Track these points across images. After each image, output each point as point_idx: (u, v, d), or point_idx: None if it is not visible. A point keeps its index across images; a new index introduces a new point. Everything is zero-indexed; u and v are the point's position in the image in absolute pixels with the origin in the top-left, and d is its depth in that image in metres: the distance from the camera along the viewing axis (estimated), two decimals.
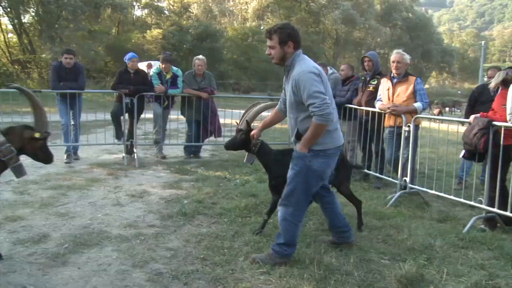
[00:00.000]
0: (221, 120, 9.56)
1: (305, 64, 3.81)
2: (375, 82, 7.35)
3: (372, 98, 7.25)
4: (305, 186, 3.94)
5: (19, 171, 3.90)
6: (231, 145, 4.89)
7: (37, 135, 3.93)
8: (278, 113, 4.51)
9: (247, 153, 4.87)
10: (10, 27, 35.98)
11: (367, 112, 7.26)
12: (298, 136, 3.93)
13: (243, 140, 4.72)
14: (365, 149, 7.57)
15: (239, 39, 45.86)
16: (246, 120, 4.73)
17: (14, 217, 5.07)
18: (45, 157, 4.16)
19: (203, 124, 8.91)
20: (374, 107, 7.09)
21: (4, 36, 35.80)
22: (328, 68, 8.75)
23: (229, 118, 10.82)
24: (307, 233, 4.85)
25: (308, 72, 3.72)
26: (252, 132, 4.57)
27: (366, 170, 7.52)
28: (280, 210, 4.08)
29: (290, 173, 4.00)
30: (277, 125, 11.63)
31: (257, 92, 40.28)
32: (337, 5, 47.42)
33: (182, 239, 4.63)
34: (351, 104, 7.64)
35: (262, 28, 50.63)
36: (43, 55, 31.56)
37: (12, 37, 36.82)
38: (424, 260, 4.22)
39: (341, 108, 7.63)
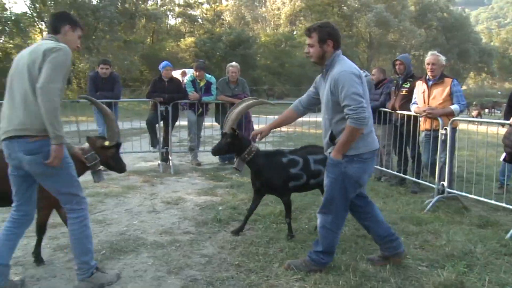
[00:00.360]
0: (255, 126, 9.56)
1: (346, 64, 3.75)
2: (408, 86, 7.23)
3: (405, 101, 7.13)
4: (343, 193, 3.85)
5: (98, 176, 4.28)
6: (217, 150, 5.00)
7: (107, 143, 4.25)
8: (293, 113, 4.41)
9: (238, 159, 4.88)
10: None
11: (402, 115, 7.15)
12: (332, 138, 3.86)
13: (228, 144, 4.78)
14: (400, 153, 7.43)
15: (272, 45, 45.90)
16: (233, 123, 4.80)
17: (55, 224, 5.17)
18: (117, 166, 4.44)
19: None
20: (408, 110, 6.97)
21: None
22: (362, 71, 8.65)
23: (263, 124, 10.85)
24: (343, 239, 4.78)
25: (349, 73, 3.65)
26: (260, 129, 4.52)
27: (402, 175, 7.39)
28: (319, 218, 4.01)
29: (326, 181, 3.94)
30: (312, 130, 11.59)
31: (291, 97, 40.19)
32: (370, 8, 46.96)
33: (217, 246, 4.64)
34: (385, 107, 7.52)
35: (295, 33, 50.66)
36: (81, 65, 32.33)
37: None
38: (464, 267, 4.09)
39: (375, 112, 7.53)
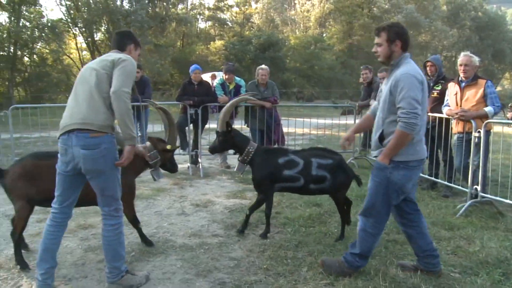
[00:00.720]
0: (285, 129, 9.56)
1: (411, 67, 3.71)
2: (439, 88, 7.10)
3: (437, 103, 7.00)
4: (385, 198, 3.82)
5: (157, 175, 4.75)
6: (213, 148, 5.31)
7: (169, 147, 4.75)
8: (370, 117, 4.31)
9: (239, 163, 5.10)
10: (84, 45, 37.91)
11: (434, 118, 7.02)
12: (381, 138, 3.82)
13: (222, 142, 5.10)
14: (432, 157, 7.29)
15: (302, 47, 45.75)
16: (222, 122, 5.01)
17: (86, 225, 5.28)
18: (172, 167, 5.00)
19: (266, 133, 8.93)
20: (439, 112, 6.85)
21: (79, 54, 37.77)
22: None
23: (293, 127, 10.82)
24: None
25: (412, 76, 3.62)
26: (347, 136, 4.33)
27: (433, 178, 7.26)
28: (360, 220, 3.98)
29: (370, 184, 3.92)
30: (342, 133, 11.51)
31: (321, 100, 40.10)
32: (399, 9, 46.31)
33: (245, 249, 4.64)
34: None
35: (324, 35, 50.39)
36: None
37: (86, 54, 38.76)
38: (499, 275, 3.97)
39: None
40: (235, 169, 5.21)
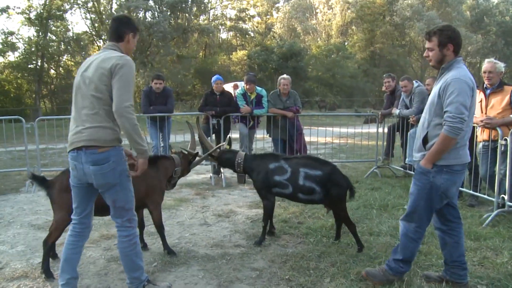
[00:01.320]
0: (307, 138, 9.51)
1: (462, 72, 3.64)
2: None
3: None
4: (428, 203, 3.77)
5: (172, 185, 5.04)
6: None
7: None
8: None
9: (237, 174, 5.33)
10: None
11: None
12: (425, 141, 3.78)
13: (217, 162, 5.52)
14: None
15: (324, 56, 45.72)
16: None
17: (109, 235, 5.32)
18: (187, 173, 5.24)
19: (288, 143, 8.91)
20: None
21: None
22: (414, 81, 8.48)
23: (315, 136, 10.78)
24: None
25: (463, 81, 3.57)
26: None
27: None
28: (401, 225, 3.95)
29: (412, 188, 3.87)
30: (364, 142, 11.44)
31: (343, 108, 39.91)
32: (421, 15, 45.86)
33: (267, 259, 4.61)
34: None
35: (346, 44, 50.24)
36: (138, 79, 33.31)
37: None
38: None
39: None
40: (238, 181, 5.42)
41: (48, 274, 4.22)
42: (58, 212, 4.24)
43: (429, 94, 7.60)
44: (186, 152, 5.10)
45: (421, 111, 7.66)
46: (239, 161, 5.16)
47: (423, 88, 8.17)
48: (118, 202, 3.57)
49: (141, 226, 4.97)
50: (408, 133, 8.39)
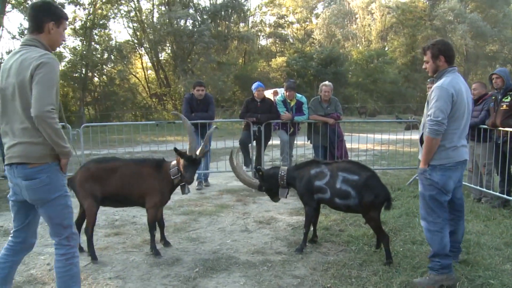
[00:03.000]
0: (348, 145, 9.43)
1: (448, 80, 4.10)
2: (508, 100, 6.75)
3: (507, 117, 6.66)
4: (432, 197, 4.17)
5: (183, 189, 5.14)
6: (260, 187, 5.53)
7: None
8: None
9: (279, 189, 5.33)
10: (149, 64, 39.29)
11: (505, 132, 6.71)
12: (421, 140, 4.28)
13: (263, 184, 5.47)
14: (503, 173, 6.96)
15: (364, 62, 45.26)
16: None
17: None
18: (184, 177, 4.91)
19: (329, 149, 8.87)
20: (511, 126, 6.54)
21: (145, 73, 39.21)
22: None
23: (356, 143, 10.68)
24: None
25: (444, 88, 4.03)
26: None
27: (505, 196, 6.92)
28: (422, 224, 4.31)
29: (419, 187, 4.32)
30: (406, 149, 11.26)
31: (384, 114, 39.39)
32: (463, 18, 44.72)
33: (309, 267, 4.60)
34: (485, 124, 7.10)
35: (386, 49, 49.61)
36: (179, 86, 33.81)
37: (151, 73, 40.15)
38: None
39: (475, 129, 7.16)
40: (279, 196, 5.43)
41: (93, 256, 4.86)
42: (84, 201, 4.84)
43: (473, 99, 7.48)
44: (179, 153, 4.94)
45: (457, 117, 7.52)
46: (282, 173, 5.20)
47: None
48: (54, 219, 3.34)
49: (161, 225, 5.34)
50: None
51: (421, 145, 4.28)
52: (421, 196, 4.28)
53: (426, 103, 4.33)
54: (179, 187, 5.11)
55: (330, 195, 4.83)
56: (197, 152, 4.90)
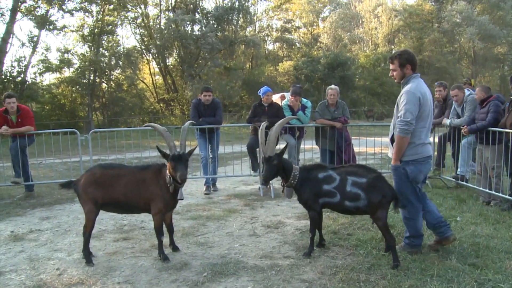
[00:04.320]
0: (355, 149, 9.42)
1: (414, 85, 4.69)
2: None
3: None
4: (408, 188, 4.83)
5: (178, 194, 5.04)
6: (268, 177, 5.14)
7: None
8: None
9: (286, 188, 5.22)
10: (157, 70, 39.47)
11: None
12: (392, 140, 4.91)
13: (273, 168, 5.04)
14: None
15: (371, 65, 45.19)
16: (273, 145, 5.12)
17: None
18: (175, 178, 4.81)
19: (337, 153, 8.86)
20: None
21: (152, 78, 39.36)
22: (466, 90, 8.28)
23: (363, 146, 10.66)
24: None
25: (412, 93, 4.64)
26: None
27: None
28: (400, 212, 5.03)
29: (394, 183, 4.94)
30: None
31: (391, 118, 39.01)
32: (471, 21, 44.46)
33: (317, 271, 4.59)
34: (493, 127, 7.06)
35: (393, 52, 49.45)
36: (186, 91, 33.89)
37: (159, 79, 40.30)
38: None
39: (483, 132, 7.13)
40: (285, 195, 5.39)
41: (88, 259, 4.94)
42: (85, 205, 4.94)
43: (479, 102, 7.45)
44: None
45: (473, 120, 7.48)
46: (296, 173, 5.06)
47: (475, 96, 7.95)
48: None
49: (170, 230, 5.34)
50: (461, 143, 8.18)
51: (392, 144, 4.88)
52: (397, 188, 4.85)
53: (395, 106, 4.86)
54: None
55: (339, 199, 4.82)
56: (178, 149, 4.81)
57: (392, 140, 4.92)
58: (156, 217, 4.95)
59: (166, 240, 5.22)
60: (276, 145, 8.94)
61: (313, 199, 4.98)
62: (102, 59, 33.34)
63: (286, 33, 52.65)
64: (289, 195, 5.35)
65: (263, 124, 5.63)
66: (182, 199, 5.20)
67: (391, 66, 4.91)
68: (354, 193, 4.75)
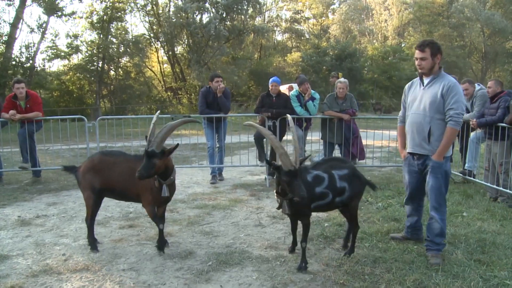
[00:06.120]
0: (363, 142, 9.39)
1: (452, 77, 4.61)
2: None
3: None
4: (446, 188, 4.67)
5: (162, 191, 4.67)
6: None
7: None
8: (403, 128, 5.07)
9: (283, 202, 4.29)
10: (165, 58, 39.42)
11: None
12: (429, 134, 4.58)
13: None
14: None
15: (379, 58, 44.90)
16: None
17: (165, 234, 5.41)
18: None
19: (345, 146, 8.85)
20: None
21: (160, 67, 39.33)
22: (476, 84, 8.21)
23: (371, 139, 10.62)
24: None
25: (459, 85, 4.52)
26: (403, 154, 5.05)
27: None
28: (435, 216, 4.63)
29: (432, 182, 4.60)
30: None
31: (399, 111, 39.03)
32: (479, 16, 43.92)
33: (321, 263, 4.59)
34: (503, 122, 7.02)
35: (403, 45, 49.13)
36: (195, 80, 33.86)
37: (167, 67, 40.27)
38: None
39: (492, 127, 7.08)
40: (283, 211, 4.41)
41: (93, 246, 4.98)
42: (83, 191, 4.97)
43: (491, 97, 7.39)
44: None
45: (482, 115, 7.43)
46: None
47: (485, 91, 7.89)
48: None
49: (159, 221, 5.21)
50: (469, 138, 8.13)
51: (429, 139, 4.59)
52: (435, 189, 4.58)
53: (429, 100, 4.55)
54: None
55: (331, 197, 4.47)
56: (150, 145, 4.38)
57: (428, 134, 4.58)
58: (146, 209, 4.84)
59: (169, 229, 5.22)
60: (284, 136, 9.04)
61: (308, 205, 4.38)
62: (111, 46, 33.34)
63: (295, 24, 52.37)
64: (286, 210, 4.35)
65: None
66: (166, 196, 4.66)
67: (420, 54, 4.56)
68: (342, 187, 4.52)
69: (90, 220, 4.98)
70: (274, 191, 4.35)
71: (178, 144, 4.62)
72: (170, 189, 4.74)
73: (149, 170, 4.29)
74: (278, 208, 4.42)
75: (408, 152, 4.89)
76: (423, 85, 4.69)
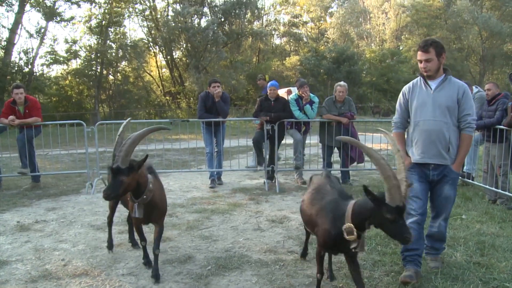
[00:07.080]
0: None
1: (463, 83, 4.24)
2: None
3: None
4: (456, 196, 4.45)
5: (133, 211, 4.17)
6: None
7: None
8: (404, 134, 4.69)
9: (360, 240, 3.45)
10: (163, 62, 39.52)
11: None
12: (449, 142, 4.15)
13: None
14: None
15: (377, 61, 45.02)
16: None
17: (164, 238, 5.42)
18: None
19: (344, 150, 8.85)
20: None
21: (159, 71, 39.41)
22: (474, 87, 8.23)
23: (369, 142, 10.63)
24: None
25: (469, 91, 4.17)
26: (407, 162, 4.31)
27: None
28: (444, 224, 4.39)
29: (450, 192, 4.25)
30: None
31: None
32: (479, 18, 44.07)
33: None
34: (501, 125, 7.04)
35: (401, 48, 49.26)
36: (193, 84, 33.89)
37: (165, 72, 40.35)
38: None
39: (491, 129, 7.09)
40: (360, 248, 3.46)
41: (109, 245, 5.09)
42: None
43: (487, 100, 7.41)
44: None
45: (480, 117, 7.45)
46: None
47: (483, 93, 7.91)
48: None
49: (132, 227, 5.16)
50: None
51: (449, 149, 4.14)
52: (451, 199, 4.30)
53: (444, 106, 4.09)
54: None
55: None
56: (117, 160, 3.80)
57: (449, 143, 4.15)
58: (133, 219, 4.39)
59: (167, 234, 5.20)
60: (282, 140, 9.05)
61: None
62: (109, 50, 33.39)
63: (294, 28, 52.50)
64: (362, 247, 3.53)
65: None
66: (136, 216, 4.11)
67: (424, 56, 4.12)
68: None
69: (108, 222, 5.20)
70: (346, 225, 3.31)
71: (147, 155, 4.01)
72: (148, 210, 4.15)
73: (115, 189, 3.72)
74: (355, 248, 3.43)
75: (419, 163, 4.32)
76: (430, 88, 4.23)
